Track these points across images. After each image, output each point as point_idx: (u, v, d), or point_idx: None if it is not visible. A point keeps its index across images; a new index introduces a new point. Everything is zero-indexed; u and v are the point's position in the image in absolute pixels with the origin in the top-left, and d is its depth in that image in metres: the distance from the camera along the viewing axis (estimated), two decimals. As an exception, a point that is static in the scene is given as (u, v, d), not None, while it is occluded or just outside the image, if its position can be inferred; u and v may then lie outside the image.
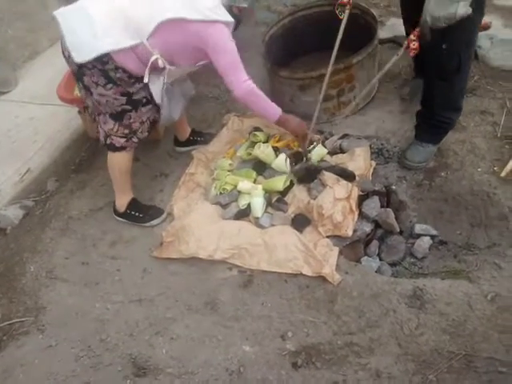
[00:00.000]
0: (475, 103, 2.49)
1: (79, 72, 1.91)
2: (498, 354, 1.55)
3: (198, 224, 2.10)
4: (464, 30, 1.89)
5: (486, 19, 2.84)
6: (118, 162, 2.15)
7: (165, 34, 1.86)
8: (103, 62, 1.84)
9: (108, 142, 2.10)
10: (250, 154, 2.36)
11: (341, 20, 2.51)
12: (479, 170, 2.17)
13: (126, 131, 2.06)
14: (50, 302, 2.00)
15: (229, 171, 2.35)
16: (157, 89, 2.02)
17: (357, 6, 2.67)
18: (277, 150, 2.35)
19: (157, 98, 2.04)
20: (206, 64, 2.03)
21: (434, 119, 2.17)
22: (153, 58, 1.89)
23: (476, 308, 1.69)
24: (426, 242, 2.07)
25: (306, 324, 1.77)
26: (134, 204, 2.27)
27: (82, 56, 1.84)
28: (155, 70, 1.95)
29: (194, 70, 2.13)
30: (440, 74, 2.04)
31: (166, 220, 2.26)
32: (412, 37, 1.84)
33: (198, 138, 2.61)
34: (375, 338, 1.68)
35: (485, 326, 1.64)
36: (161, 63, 1.92)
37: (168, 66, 1.96)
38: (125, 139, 2.08)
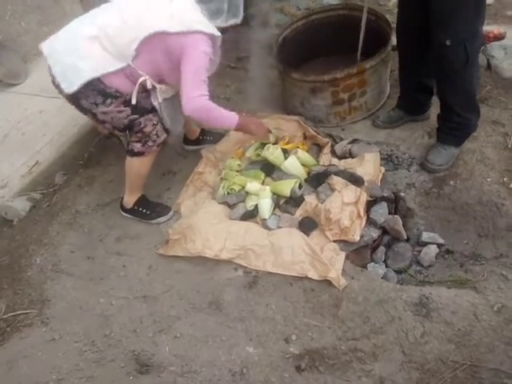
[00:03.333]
0: (486, 113, 2.48)
1: (74, 98, 1.91)
2: (504, 365, 1.54)
3: (204, 223, 2.10)
4: (466, 21, 1.88)
5: (500, 29, 2.84)
6: (136, 166, 2.14)
7: (149, 53, 1.86)
8: (94, 85, 1.86)
9: (130, 147, 2.09)
10: (259, 155, 2.35)
11: (355, 24, 2.53)
12: (488, 180, 2.16)
13: (140, 135, 2.03)
14: (54, 296, 2.01)
15: (237, 172, 2.35)
16: (155, 104, 2.02)
17: (371, 11, 2.66)
18: (286, 152, 2.35)
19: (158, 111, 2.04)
20: None
21: (452, 121, 2.17)
22: (140, 80, 1.90)
23: (482, 318, 1.68)
24: (432, 250, 2.06)
25: (310, 328, 1.77)
26: (141, 200, 2.27)
27: (71, 86, 1.85)
28: (146, 90, 1.96)
29: None
30: (449, 72, 2.02)
31: (173, 218, 2.26)
32: None
33: (207, 137, 2.60)
34: (379, 345, 1.68)
35: (490, 336, 1.63)
36: (149, 84, 1.92)
37: (158, 86, 1.96)
38: (140, 144, 2.05)
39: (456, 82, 2.05)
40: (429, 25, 1.97)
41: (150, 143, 2.07)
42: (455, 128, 2.19)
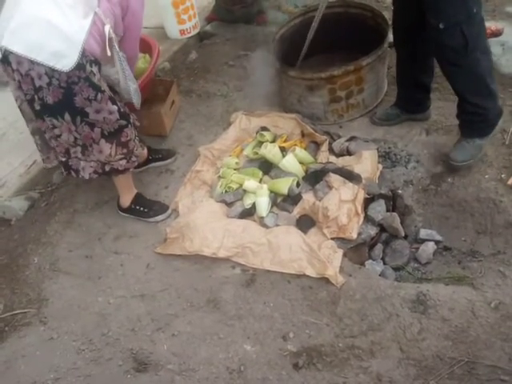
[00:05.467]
0: (484, 110, 2.48)
1: (68, 93, 1.75)
2: (501, 362, 1.54)
3: (202, 221, 2.10)
4: (456, 2, 1.82)
5: (497, 26, 2.84)
6: (122, 178, 2.16)
7: None
8: (81, 64, 1.72)
9: (107, 169, 2.02)
10: (257, 153, 2.36)
11: (351, 21, 2.53)
12: (486, 176, 2.16)
13: (124, 150, 1.99)
14: (52, 295, 2.01)
15: (235, 170, 2.35)
16: (117, 66, 1.90)
17: (368, 8, 2.67)
18: (283, 150, 2.35)
19: (120, 77, 1.93)
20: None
21: (467, 109, 2.06)
22: (106, 29, 1.76)
23: (479, 315, 1.68)
24: (430, 247, 2.06)
25: (307, 325, 1.77)
26: (138, 199, 2.27)
27: (69, 61, 1.69)
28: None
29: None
30: (450, 58, 1.94)
31: (171, 216, 2.26)
32: None
33: (156, 156, 2.52)
34: (377, 342, 1.68)
35: (488, 333, 1.63)
36: (112, 32, 1.79)
37: (114, 35, 1.83)
38: (125, 161, 2.02)
39: (460, 68, 1.95)
40: (424, 16, 1.92)
41: (134, 158, 2.06)
42: (471, 119, 2.09)
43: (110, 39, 1.81)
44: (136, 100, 2.07)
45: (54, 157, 2.08)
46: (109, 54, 1.82)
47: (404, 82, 2.39)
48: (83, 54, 1.72)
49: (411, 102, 2.41)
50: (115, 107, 1.90)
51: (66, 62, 1.69)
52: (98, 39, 1.79)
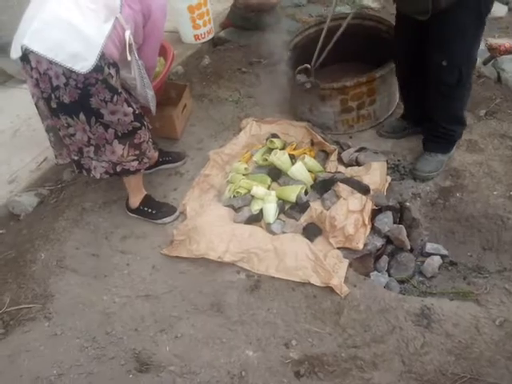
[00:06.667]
0: (495, 126, 2.48)
1: (85, 94, 1.77)
2: (504, 380, 1.54)
3: (209, 225, 2.11)
4: (463, 48, 1.95)
5: (511, 43, 2.85)
6: (133, 179, 2.17)
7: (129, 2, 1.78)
8: (100, 67, 1.74)
9: (119, 169, 2.03)
10: (266, 159, 2.37)
11: (366, 33, 2.55)
12: (495, 193, 2.16)
13: (137, 152, 2.01)
14: (58, 291, 2.02)
15: (244, 175, 2.36)
16: (135, 73, 1.93)
17: (382, 21, 2.69)
18: (293, 158, 2.36)
19: (137, 82, 1.94)
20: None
21: (438, 131, 2.23)
22: (127, 34, 1.78)
23: (483, 332, 1.68)
24: (436, 261, 2.06)
25: (310, 334, 1.77)
26: (147, 200, 2.28)
27: (87, 63, 1.70)
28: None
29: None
30: (440, 89, 2.08)
31: (178, 219, 2.28)
32: None
33: (167, 158, 2.54)
34: (379, 354, 1.68)
35: (492, 350, 1.62)
36: (132, 39, 1.81)
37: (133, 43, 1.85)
38: (137, 162, 2.04)
39: (446, 99, 2.11)
40: (424, 46, 2.02)
41: (146, 160, 2.08)
42: (440, 137, 2.24)
43: (130, 45, 1.83)
44: (153, 106, 2.10)
45: (66, 154, 2.10)
46: (129, 58, 1.84)
47: (407, 94, 2.44)
48: (102, 56, 1.74)
49: (416, 114, 2.43)
50: (130, 109, 1.92)
51: (83, 64, 1.71)
52: (117, 44, 1.81)
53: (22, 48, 1.72)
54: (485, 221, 2.09)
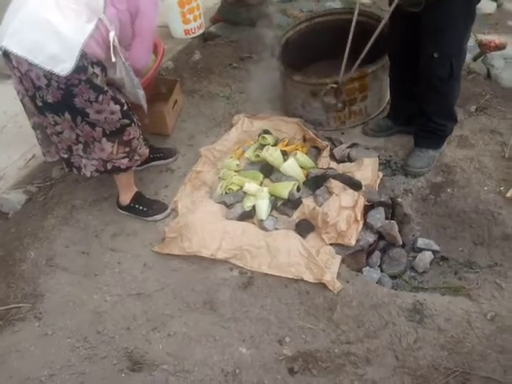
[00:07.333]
0: (485, 122, 2.50)
1: (68, 94, 1.73)
2: (496, 374, 1.55)
3: (201, 222, 2.10)
4: (454, 38, 1.97)
5: (501, 39, 2.86)
6: (124, 176, 2.15)
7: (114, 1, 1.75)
8: (82, 67, 1.69)
9: (109, 167, 2.00)
10: (258, 156, 2.36)
11: (358, 28, 2.53)
12: (485, 188, 2.17)
13: (127, 149, 1.99)
14: (48, 290, 1.99)
15: (236, 172, 2.35)
16: (123, 74, 1.87)
17: (374, 16, 2.68)
18: (285, 154, 2.35)
19: (123, 76, 1.88)
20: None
21: (429, 126, 2.23)
22: (111, 36, 1.74)
23: (475, 326, 1.69)
24: (427, 256, 2.07)
25: (304, 330, 1.77)
26: (138, 197, 2.26)
27: (66, 65, 1.65)
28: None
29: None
30: (432, 83, 2.09)
31: (170, 216, 2.26)
32: None
33: (158, 154, 2.51)
34: (373, 349, 1.68)
35: (483, 344, 1.64)
36: (116, 41, 1.77)
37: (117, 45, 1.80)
38: (128, 159, 2.01)
39: (438, 93, 2.12)
40: (418, 40, 2.03)
41: (137, 157, 2.06)
42: (431, 132, 2.25)
43: (115, 47, 1.78)
44: (145, 105, 2.07)
45: (54, 151, 2.06)
46: (113, 60, 1.79)
47: (397, 92, 2.44)
48: (85, 56, 1.70)
49: (403, 113, 2.44)
50: (118, 107, 1.88)
51: (63, 66, 1.66)
52: (101, 44, 1.76)
53: (1, 49, 1.69)
54: (476, 216, 2.11)
